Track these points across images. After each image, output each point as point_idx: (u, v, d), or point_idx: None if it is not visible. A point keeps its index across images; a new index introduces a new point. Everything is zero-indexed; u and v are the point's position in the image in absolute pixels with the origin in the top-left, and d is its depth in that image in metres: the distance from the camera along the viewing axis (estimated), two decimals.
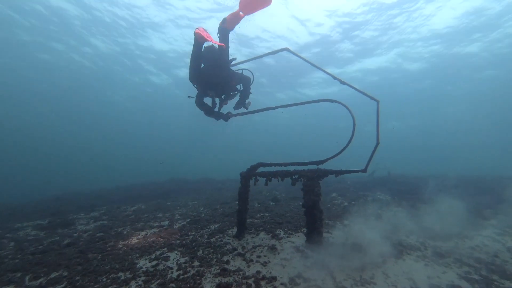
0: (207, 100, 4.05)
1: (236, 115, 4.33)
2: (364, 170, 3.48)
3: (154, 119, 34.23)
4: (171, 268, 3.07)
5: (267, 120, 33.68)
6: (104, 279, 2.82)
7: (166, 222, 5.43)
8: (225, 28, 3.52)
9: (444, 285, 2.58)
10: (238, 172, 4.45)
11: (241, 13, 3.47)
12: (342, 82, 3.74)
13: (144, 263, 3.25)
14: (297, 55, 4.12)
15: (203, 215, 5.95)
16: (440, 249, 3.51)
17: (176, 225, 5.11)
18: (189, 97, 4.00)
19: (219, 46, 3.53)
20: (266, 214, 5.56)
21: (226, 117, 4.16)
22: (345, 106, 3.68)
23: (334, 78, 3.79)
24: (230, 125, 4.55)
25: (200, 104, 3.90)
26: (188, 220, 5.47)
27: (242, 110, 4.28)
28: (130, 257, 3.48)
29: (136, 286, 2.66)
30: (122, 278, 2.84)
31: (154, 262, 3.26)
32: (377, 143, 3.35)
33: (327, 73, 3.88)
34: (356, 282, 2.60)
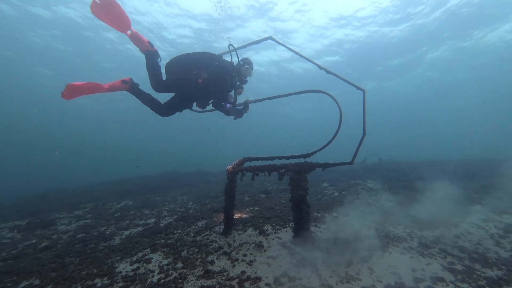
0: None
1: (254, 101, 4.10)
2: (351, 163, 3.38)
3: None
4: (152, 272, 2.93)
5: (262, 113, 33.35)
6: (79, 287, 2.66)
7: (152, 220, 5.27)
8: (145, 52, 3.37)
9: (428, 277, 2.57)
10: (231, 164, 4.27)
11: (128, 32, 3.24)
12: (328, 72, 3.56)
13: (124, 267, 3.10)
14: (281, 44, 3.89)
15: (191, 211, 5.82)
16: (426, 239, 3.52)
17: (162, 223, 4.97)
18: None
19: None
20: (256, 208, 5.48)
21: (245, 107, 3.95)
22: (331, 96, 3.52)
23: (320, 67, 3.60)
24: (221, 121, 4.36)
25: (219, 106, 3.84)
26: (175, 217, 5.33)
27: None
28: (110, 260, 3.32)
29: None
30: (99, 285, 2.69)
31: (135, 265, 3.11)
32: (364, 134, 3.24)
33: (313, 62, 3.68)
34: (342, 279, 2.54)
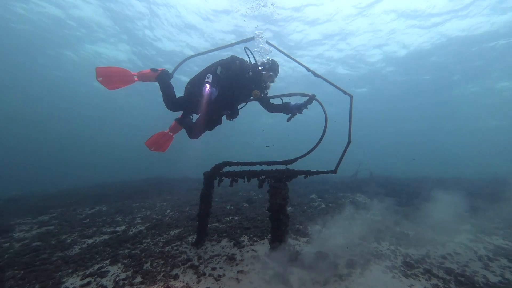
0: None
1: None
2: (334, 171, 3.19)
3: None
4: (104, 287, 2.55)
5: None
6: None
7: (122, 228, 4.83)
8: (156, 80, 3.55)
9: None
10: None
11: (135, 78, 3.53)
12: (316, 75, 3.42)
13: (73, 282, 2.69)
14: (271, 45, 3.76)
15: (167, 218, 5.41)
16: (411, 258, 3.29)
17: (131, 231, 4.54)
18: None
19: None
20: (236, 218, 5.14)
21: (308, 102, 3.35)
22: (318, 101, 3.36)
23: (308, 70, 3.46)
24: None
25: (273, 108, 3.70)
26: (148, 224, 4.91)
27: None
28: (59, 273, 2.90)
29: None
30: None
31: (86, 280, 2.71)
32: (349, 142, 3.07)
33: (302, 65, 3.55)
34: None
